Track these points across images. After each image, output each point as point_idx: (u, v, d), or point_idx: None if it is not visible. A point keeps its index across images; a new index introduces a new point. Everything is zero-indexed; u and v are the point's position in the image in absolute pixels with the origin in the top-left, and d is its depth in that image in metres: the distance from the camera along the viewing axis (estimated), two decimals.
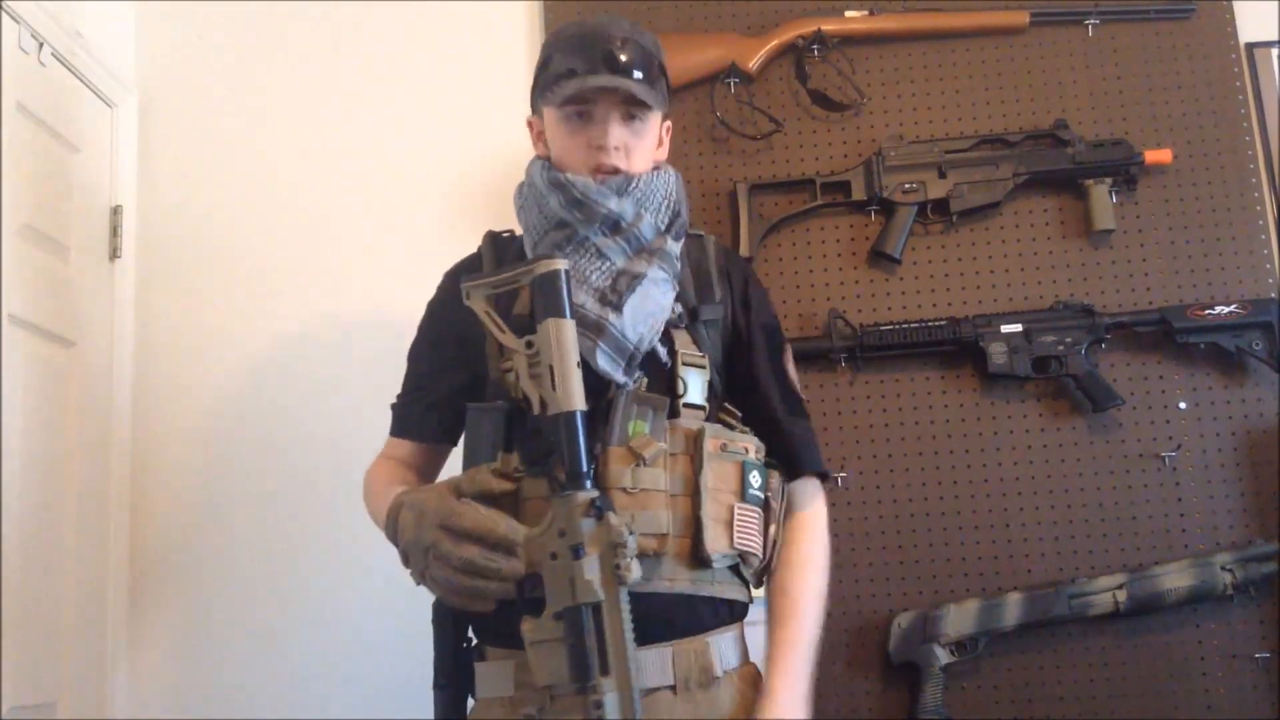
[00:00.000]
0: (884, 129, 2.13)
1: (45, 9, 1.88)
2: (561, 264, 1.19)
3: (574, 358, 1.16)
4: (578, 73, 1.32)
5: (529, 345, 1.18)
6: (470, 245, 1.46)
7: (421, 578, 1.19)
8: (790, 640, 1.30)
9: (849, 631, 1.97)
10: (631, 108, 1.35)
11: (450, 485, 1.20)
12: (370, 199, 2.17)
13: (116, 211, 2.11)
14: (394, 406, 1.45)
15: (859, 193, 2.08)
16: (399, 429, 1.44)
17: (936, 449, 2.02)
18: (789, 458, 1.37)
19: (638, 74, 1.33)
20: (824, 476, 1.42)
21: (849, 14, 2.14)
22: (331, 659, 2.01)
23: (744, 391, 1.39)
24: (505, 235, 1.44)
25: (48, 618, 1.80)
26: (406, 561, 1.20)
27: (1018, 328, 2.00)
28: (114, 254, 2.10)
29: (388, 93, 2.21)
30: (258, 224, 2.17)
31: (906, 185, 2.07)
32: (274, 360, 2.12)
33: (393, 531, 1.23)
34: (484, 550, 1.14)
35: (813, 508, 1.39)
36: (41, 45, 1.88)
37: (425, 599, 1.35)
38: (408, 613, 1.99)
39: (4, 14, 1.77)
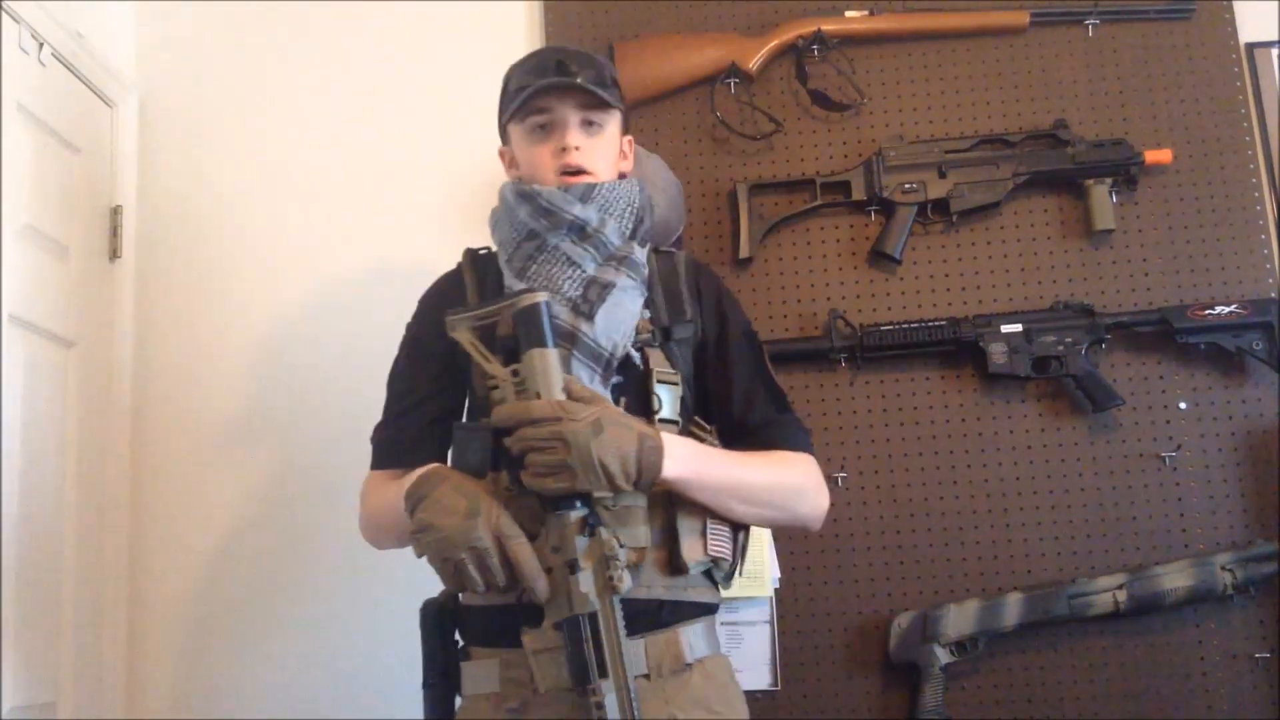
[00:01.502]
0: (884, 129, 2.13)
1: (45, 9, 1.88)
2: (542, 297, 1.26)
3: (559, 384, 1.23)
4: (532, 84, 1.40)
5: (515, 374, 1.24)
6: (469, 245, 1.47)
7: (436, 554, 1.20)
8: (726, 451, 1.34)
9: (849, 631, 1.97)
10: (588, 114, 1.42)
11: (492, 483, 1.24)
12: (369, 199, 2.17)
13: (116, 211, 2.11)
14: (376, 438, 1.43)
15: (859, 193, 2.08)
16: (388, 459, 1.40)
17: (936, 449, 2.02)
18: (784, 446, 1.39)
19: (588, 78, 1.40)
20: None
21: (849, 14, 2.14)
22: (331, 659, 2.01)
23: (728, 398, 1.41)
24: (483, 252, 1.48)
25: (48, 618, 1.80)
26: (421, 531, 1.20)
27: (1018, 328, 2.00)
28: (114, 254, 2.10)
29: (387, 93, 2.21)
30: (257, 224, 2.17)
31: (906, 185, 2.07)
32: (274, 360, 2.12)
33: (419, 499, 1.22)
34: (510, 579, 1.20)
35: (806, 457, 1.40)
36: (41, 45, 1.88)
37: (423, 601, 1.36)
38: (406, 614, 2.00)
39: (4, 14, 1.77)
